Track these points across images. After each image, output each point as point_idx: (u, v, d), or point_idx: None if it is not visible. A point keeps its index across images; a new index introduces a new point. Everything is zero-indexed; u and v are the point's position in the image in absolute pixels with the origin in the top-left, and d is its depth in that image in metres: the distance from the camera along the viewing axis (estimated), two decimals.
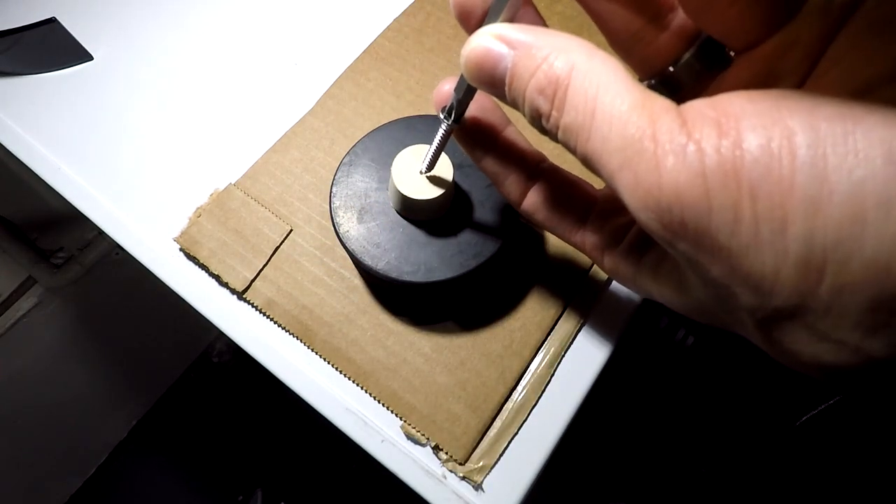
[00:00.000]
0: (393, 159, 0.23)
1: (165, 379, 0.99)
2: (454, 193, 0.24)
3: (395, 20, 0.35)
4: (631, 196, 0.13)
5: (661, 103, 0.13)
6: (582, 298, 0.27)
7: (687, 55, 0.18)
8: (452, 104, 0.19)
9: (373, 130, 0.26)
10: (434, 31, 0.34)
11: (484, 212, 0.24)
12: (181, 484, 0.94)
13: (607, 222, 0.20)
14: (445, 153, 0.23)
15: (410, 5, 0.35)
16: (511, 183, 0.21)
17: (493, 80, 0.15)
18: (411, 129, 0.26)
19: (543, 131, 0.15)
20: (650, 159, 0.12)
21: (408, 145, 0.23)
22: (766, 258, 0.11)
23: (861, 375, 0.12)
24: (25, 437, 0.76)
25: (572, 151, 0.14)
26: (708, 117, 0.12)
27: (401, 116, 0.27)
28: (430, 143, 0.22)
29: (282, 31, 0.35)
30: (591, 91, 0.13)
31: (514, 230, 0.24)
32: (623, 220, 0.20)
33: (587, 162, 0.14)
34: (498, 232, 0.24)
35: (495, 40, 0.15)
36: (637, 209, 0.13)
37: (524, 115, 0.15)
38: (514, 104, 0.15)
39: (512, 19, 0.16)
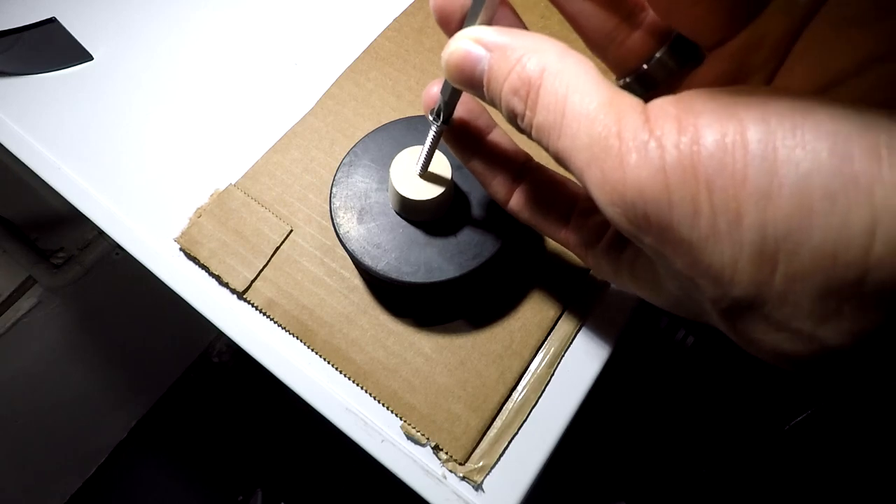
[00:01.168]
0: (393, 160, 0.23)
1: (165, 379, 0.99)
2: (453, 194, 0.24)
3: (395, 20, 0.35)
4: (599, 192, 0.13)
5: (628, 101, 0.13)
6: (582, 298, 0.27)
7: (659, 53, 0.18)
8: (440, 106, 0.19)
9: (373, 131, 0.26)
10: (434, 31, 0.34)
11: (483, 212, 0.24)
12: (181, 484, 0.94)
13: (588, 220, 0.20)
14: (445, 154, 0.23)
15: (410, 5, 0.35)
16: (497, 183, 0.21)
17: (472, 82, 0.16)
18: (411, 129, 0.26)
19: (520, 130, 0.16)
20: (615, 156, 0.12)
21: (408, 146, 0.23)
22: (724, 250, 0.12)
23: (819, 364, 0.12)
24: (25, 437, 0.76)
25: (546, 149, 0.15)
26: (670, 114, 0.12)
27: (401, 116, 0.27)
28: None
29: (282, 31, 0.35)
30: (561, 91, 0.14)
31: (514, 230, 0.24)
32: (602, 218, 0.20)
33: (559, 159, 0.14)
34: (498, 232, 0.24)
35: (473, 43, 0.15)
36: (604, 205, 0.13)
37: (502, 114, 0.16)
38: (493, 104, 0.16)
39: (490, 21, 0.16)
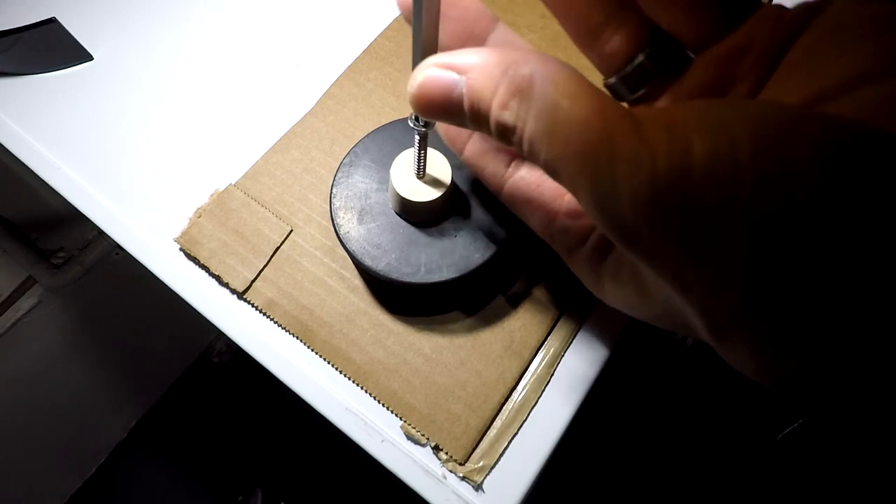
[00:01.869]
0: (393, 160, 0.23)
1: (165, 379, 0.99)
2: (454, 195, 0.24)
3: (395, 20, 0.35)
4: (588, 201, 0.13)
5: (619, 109, 0.13)
6: (582, 298, 0.27)
7: (642, 56, 0.17)
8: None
9: (373, 131, 0.26)
10: None
11: (484, 213, 0.24)
12: (181, 484, 0.94)
13: (574, 222, 0.20)
14: (444, 155, 0.23)
15: None
16: (490, 172, 0.21)
17: (448, 109, 0.15)
18: (411, 129, 0.26)
19: (510, 145, 0.15)
20: (606, 166, 0.12)
21: (408, 146, 0.23)
22: (716, 268, 0.11)
23: (802, 384, 0.12)
24: (25, 437, 0.76)
25: (537, 162, 0.14)
26: (661, 125, 0.12)
27: (401, 116, 0.27)
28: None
29: (282, 31, 0.35)
30: (552, 97, 0.13)
31: (514, 230, 0.24)
32: (587, 222, 0.19)
33: (550, 170, 0.14)
34: (498, 232, 0.24)
35: (441, 70, 0.15)
36: (594, 214, 0.13)
37: (490, 134, 0.15)
38: (478, 126, 0.15)
39: (435, 41, 0.16)
